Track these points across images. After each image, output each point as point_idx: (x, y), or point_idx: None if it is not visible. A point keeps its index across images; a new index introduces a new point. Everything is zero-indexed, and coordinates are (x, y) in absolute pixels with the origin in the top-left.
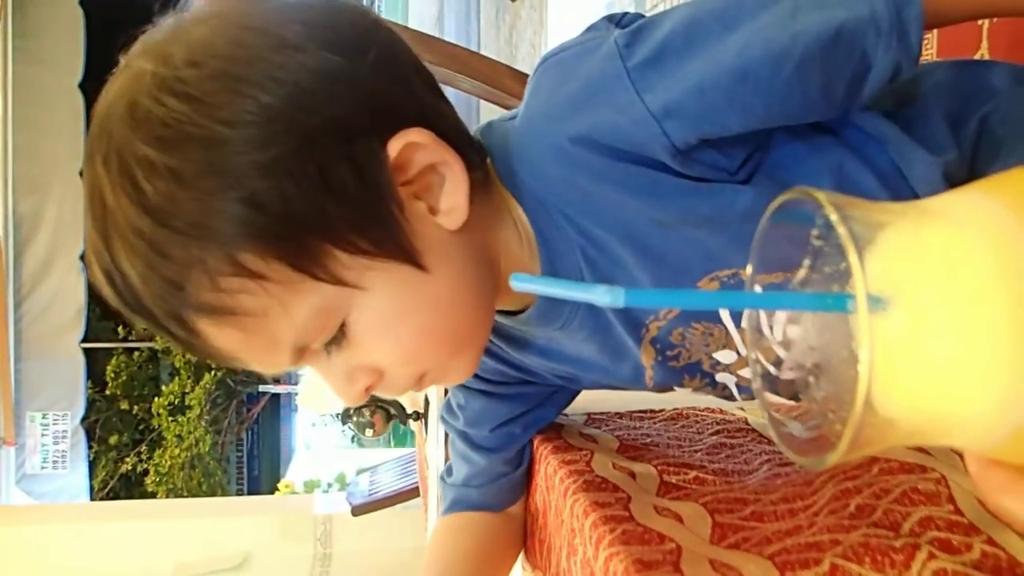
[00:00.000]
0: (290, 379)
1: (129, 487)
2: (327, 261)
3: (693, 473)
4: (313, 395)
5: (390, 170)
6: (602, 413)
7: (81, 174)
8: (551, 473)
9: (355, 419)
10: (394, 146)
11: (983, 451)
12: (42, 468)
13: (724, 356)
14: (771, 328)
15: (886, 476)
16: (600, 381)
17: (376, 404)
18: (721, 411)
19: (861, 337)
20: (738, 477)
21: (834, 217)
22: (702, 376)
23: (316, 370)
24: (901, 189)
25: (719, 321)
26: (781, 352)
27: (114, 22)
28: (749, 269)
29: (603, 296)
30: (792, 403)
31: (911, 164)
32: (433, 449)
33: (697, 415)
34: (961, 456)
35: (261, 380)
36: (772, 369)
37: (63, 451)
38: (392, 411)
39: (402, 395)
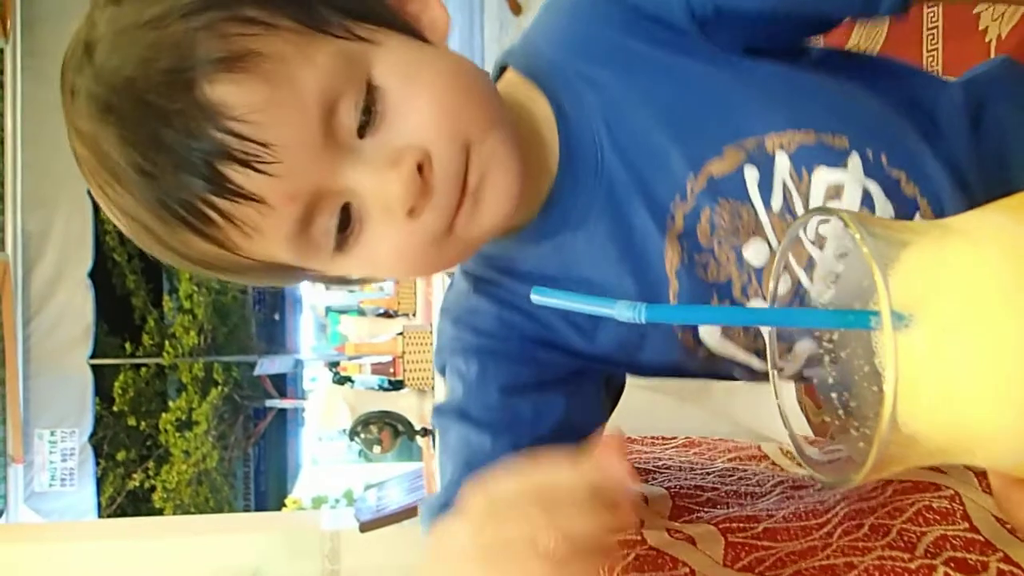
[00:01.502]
0: (297, 394)
1: (136, 503)
2: (335, 19)
3: (706, 495)
4: (321, 411)
5: None
6: None
7: (89, 192)
8: None
9: (363, 435)
10: None
11: (1006, 469)
12: (50, 486)
13: (754, 251)
14: (804, 228)
15: (899, 496)
16: (619, 335)
17: (384, 421)
18: (734, 440)
19: (886, 357)
20: (751, 499)
21: (858, 236)
22: (732, 304)
23: (353, 175)
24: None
25: (747, 199)
26: (815, 253)
27: None
28: (772, 284)
29: (624, 311)
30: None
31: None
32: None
33: (709, 443)
34: (976, 473)
35: (268, 395)
36: (804, 279)
37: (71, 468)
38: (400, 427)
39: (453, 190)
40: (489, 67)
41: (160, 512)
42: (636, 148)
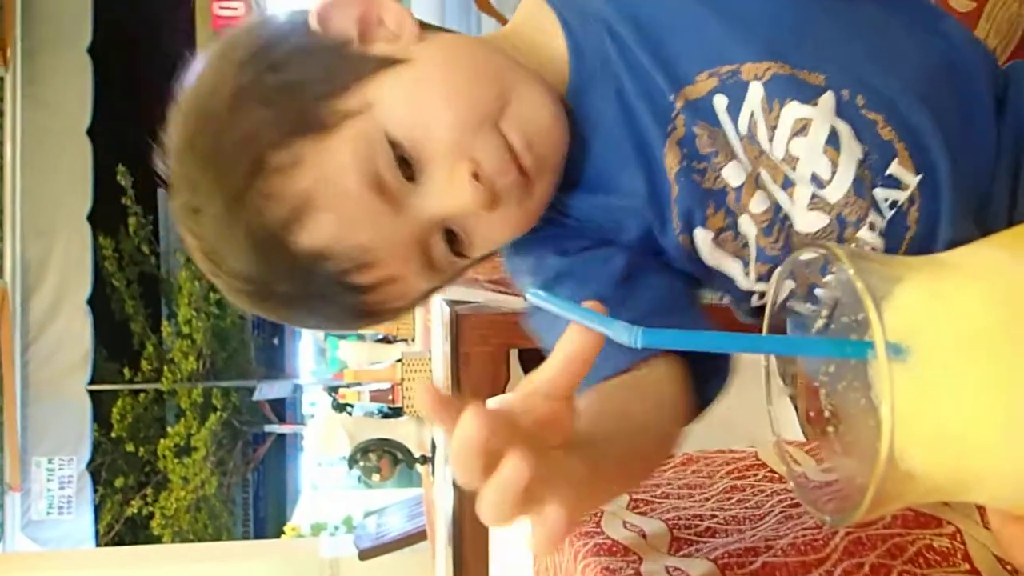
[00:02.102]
0: (296, 419)
1: (135, 530)
2: (329, 110)
3: (704, 524)
4: (320, 439)
5: (326, 31)
6: None
7: (88, 219)
8: None
9: (361, 463)
10: (311, 20)
11: (1005, 507)
12: (48, 514)
13: (731, 171)
14: (770, 140)
15: (901, 528)
16: (640, 230)
17: (383, 449)
18: (731, 451)
19: (883, 393)
20: (750, 524)
21: (852, 271)
22: (726, 214)
23: (431, 212)
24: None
25: (719, 124)
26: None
27: (121, 69)
28: (770, 292)
29: (621, 333)
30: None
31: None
32: (441, 491)
33: (707, 458)
34: (978, 506)
35: (267, 420)
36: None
37: (69, 496)
38: (399, 455)
39: (509, 169)
40: None
41: (159, 539)
42: (635, 58)
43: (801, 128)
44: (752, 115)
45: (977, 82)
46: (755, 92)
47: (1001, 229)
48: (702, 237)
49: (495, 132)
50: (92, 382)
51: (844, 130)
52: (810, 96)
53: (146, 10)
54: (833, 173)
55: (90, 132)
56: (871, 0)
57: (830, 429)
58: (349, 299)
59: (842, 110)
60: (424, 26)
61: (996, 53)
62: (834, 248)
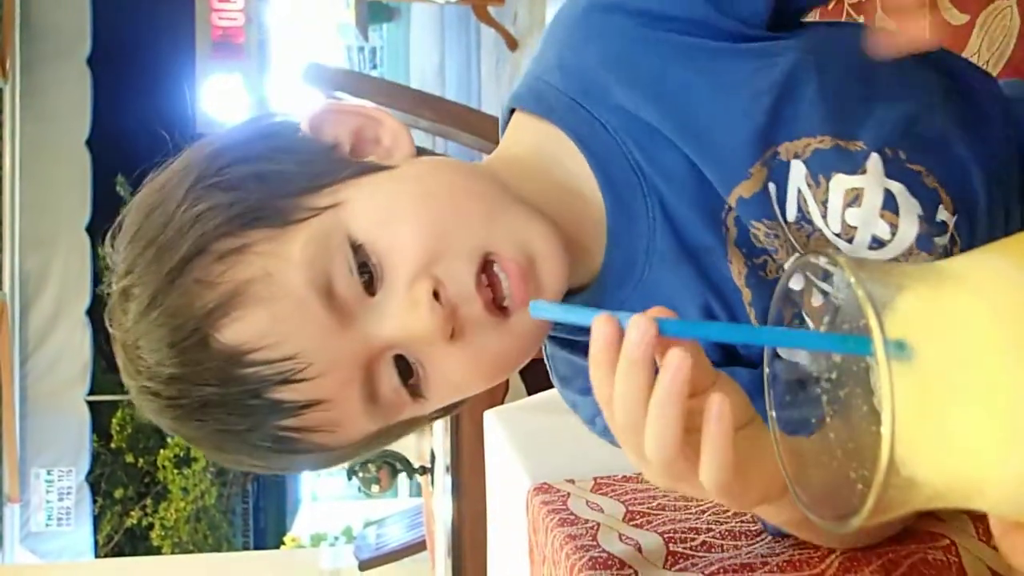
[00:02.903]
0: None
1: (134, 541)
2: (294, 204)
3: (700, 538)
4: None
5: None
6: (608, 477)
7: (87, 230)
8: (557, 547)
9: (361, 475)
10: (303, 124)
11: (1008, 514)
12: (47, 525)
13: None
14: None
15: (894, 544)
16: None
17: (383, 459)
18: None
19: (884, 400)
20: (746, 540)
21: (852, 279)
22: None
23: (381, 334)
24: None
25: (773, 214)
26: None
27: (120, 80)
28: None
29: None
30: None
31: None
32: (440, 502)
33: None
34: (973, 519)
35: None
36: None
37: (68, 507)
38: (398, 466)
39: (475, 297)
40: (486, 100)
41: (158, 550)
42: (673, 163)
43: (854, 198)
44: (800, 194)
45: (989, 104)
46: (798, 171)
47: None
48: None
49: (470, 256)
50: (91, 393)
51: (898, 189)
52: (856, 165)
53: (145, 21)
54: (893, 234)
55: (89, 143)
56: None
57: (831, 435)
58: (270, 419)
59: (890, 170)
60: (421, 151)
61: (989, 65)
62: (835, 256)
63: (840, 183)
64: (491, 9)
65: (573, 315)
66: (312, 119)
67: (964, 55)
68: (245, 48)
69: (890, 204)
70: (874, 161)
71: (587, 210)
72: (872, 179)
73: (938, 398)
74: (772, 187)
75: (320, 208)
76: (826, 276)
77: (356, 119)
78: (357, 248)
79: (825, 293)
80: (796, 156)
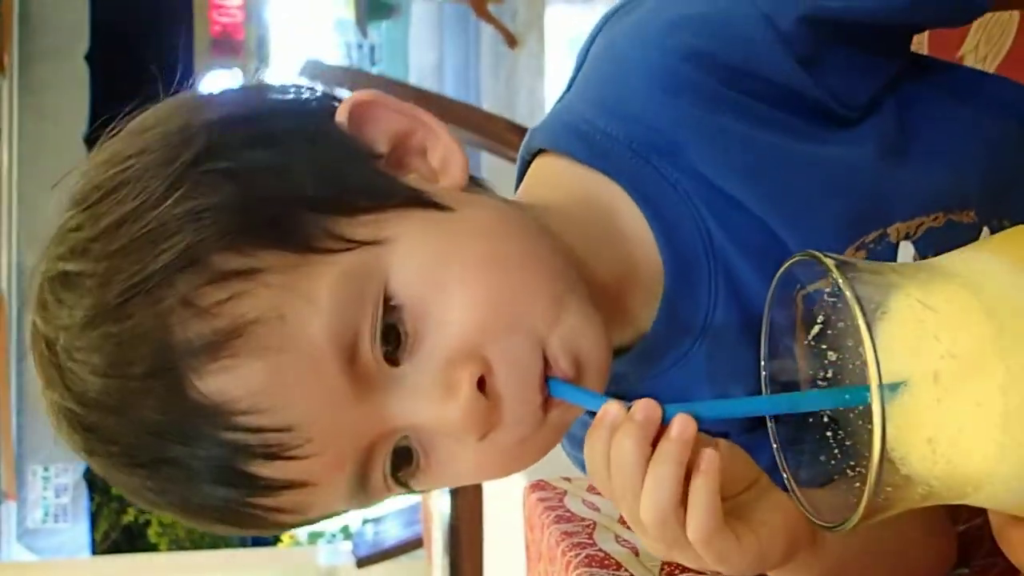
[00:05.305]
0: None
1: (131, 539)
2: (327, 229)
3: None
4: None
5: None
6: None
7: None
8: (552, 544)
9: None
10: (341, 111)
11: (1006, 509)
12: (43, 522)
13: None
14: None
15: None
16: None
17: None
18: None
19: (874, 403)
20: None
21: (841, 280)
22: None
23: (403, 416)
24: None
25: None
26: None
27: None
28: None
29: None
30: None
31: None
32: (438, 499)
33: None
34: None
35: None
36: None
37: (65, 504)
38: None
39: (529, 396)
40: (485, 98)
41: (155, 547)
42: (750, 231)
43: None
44: None
45: None
46: (905, 254)
47: None
48: None
49: (530, 341)
50: None
51: None
52: (968, 239)
53: (144, 18)
54: None
55: (87, 139)
56: (961, 103)
57: (828, 434)
58: (233, 494)
59: None
60: (474, 183)
61: (987, 61)
62: (822, 257)
63: None
64: (490, 6)
65: (589, 401)
66: (355, 107)
67: (961, 51)
68: (244, 45)
69: None
70: (986, 234)
71: (638, 273)
72: None
73: (932, 395)
74: None
75: (357, 242)
76: (820, 276)
77: (407, 121)
78: (391, 306)
79: (821, 294)
80: (907, 237)
